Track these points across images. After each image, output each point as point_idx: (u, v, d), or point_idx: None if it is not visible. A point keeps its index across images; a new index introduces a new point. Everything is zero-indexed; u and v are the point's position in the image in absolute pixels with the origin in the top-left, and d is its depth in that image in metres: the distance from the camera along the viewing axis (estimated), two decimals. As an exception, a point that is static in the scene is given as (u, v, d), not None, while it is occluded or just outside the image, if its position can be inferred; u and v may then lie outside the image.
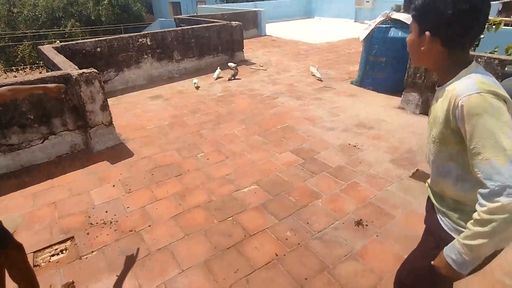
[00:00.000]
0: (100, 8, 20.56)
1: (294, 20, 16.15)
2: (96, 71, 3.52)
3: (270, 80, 6.42)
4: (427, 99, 4.45)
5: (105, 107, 3.66)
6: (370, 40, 5.37)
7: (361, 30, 5.56)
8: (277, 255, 2.28)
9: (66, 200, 2.93)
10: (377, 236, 2.43)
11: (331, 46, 9.57)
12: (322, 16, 16.37)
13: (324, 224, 2.57)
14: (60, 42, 5.75)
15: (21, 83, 3.17)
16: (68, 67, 3.66)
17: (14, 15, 20.08)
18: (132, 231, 2.54)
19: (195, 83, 6.14)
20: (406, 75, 4.63)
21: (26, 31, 19.29)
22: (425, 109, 4.50)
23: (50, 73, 3.34)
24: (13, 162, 3.34)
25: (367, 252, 2.30)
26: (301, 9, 16.86)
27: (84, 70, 3.44)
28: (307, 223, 2.58)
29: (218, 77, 6.59)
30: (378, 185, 3.03)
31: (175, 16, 10.21)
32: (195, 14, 14.18)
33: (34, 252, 2.35)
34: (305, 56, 8.46)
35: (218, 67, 6.77)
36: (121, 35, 6.01)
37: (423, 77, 4.39)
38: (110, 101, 5.53)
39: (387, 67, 5.32)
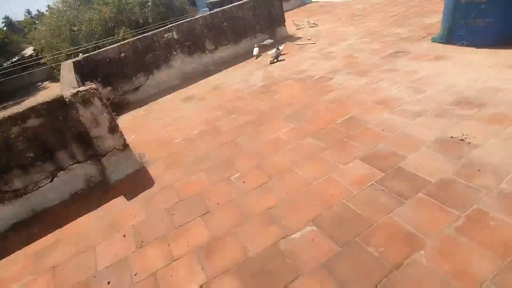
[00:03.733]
0: (146, 10, 20.81)
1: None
2: (95, 87, 2.79)
3: (322, 56, 5.15)
4: None
5: (113, 128, 2.94)
6: (460, -26, 3.76)
7: (444, -37, 3.95)
8: None
9: (68, 262, 2.28)
10: None
11: (396, -2, 7.71)
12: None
13: (440, 307, 1.44)
14: (83, 54, 5.31)
15: (9, 117, 2.60)
16: (67, 87, 3.01)
17: (75, 33, 21.50)
18: (136, 318, 1.75)
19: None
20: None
21: (87, 46, 20.51)
22: None
23: (41, 100, 2.71)
24: (22, 208, 2.85)
25: None
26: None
27: (79, 89, 2.73)
28: (407, 303, 1.49)
29: (258, 56, 5.91)
30: (526, 214, 1.75)
31: (208, 1, 9.34)
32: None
33: None
34: (362, 17, 6.87)
35: (256, 45, 5.94)
36: (144, 35, 5.31)
37: None
38: (141, 110, 4.99)
39: (490, 10, 3.67)
